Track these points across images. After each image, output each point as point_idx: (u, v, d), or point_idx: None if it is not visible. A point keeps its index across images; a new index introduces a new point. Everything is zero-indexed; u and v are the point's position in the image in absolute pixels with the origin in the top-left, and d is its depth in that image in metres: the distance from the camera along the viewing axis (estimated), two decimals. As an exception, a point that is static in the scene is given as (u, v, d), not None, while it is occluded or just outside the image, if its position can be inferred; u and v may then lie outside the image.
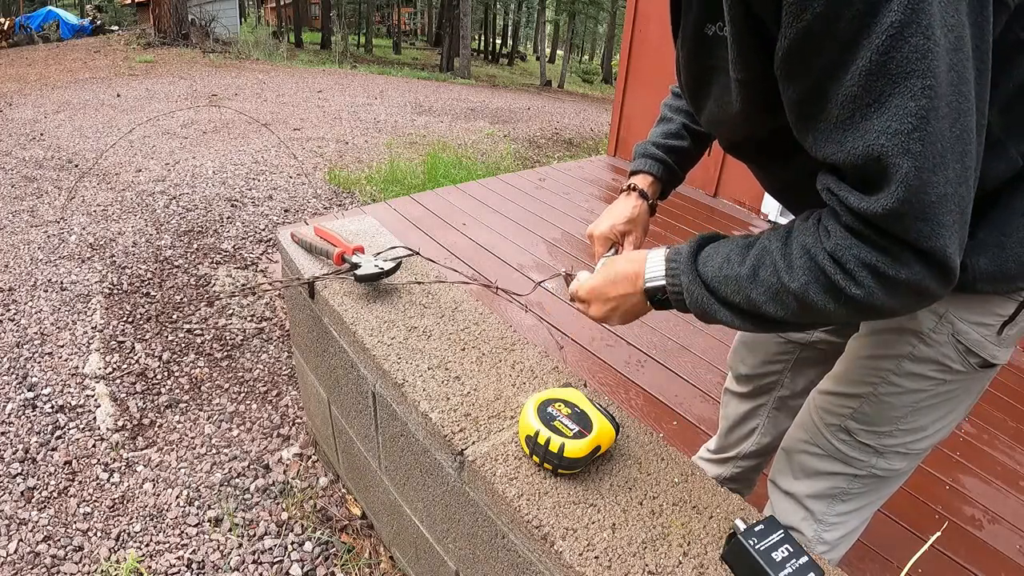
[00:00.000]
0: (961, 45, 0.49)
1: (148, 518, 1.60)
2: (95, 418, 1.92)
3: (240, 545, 1.54)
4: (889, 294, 0.57)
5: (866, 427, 0.86)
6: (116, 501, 1.64)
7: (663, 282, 0.74)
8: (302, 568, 1.49)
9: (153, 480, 1.72)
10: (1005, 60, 0.58)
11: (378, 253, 1.29)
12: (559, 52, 31.75)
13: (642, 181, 1.02)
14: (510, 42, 36.95)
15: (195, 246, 3.06)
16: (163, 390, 2.06)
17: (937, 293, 0.58)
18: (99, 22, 14.25)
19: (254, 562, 1.50)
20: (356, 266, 1.20)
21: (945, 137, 0.50)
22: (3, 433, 1.83)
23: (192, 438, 1.88)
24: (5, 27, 11.76)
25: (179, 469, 1.76)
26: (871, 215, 0.55)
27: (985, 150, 0.60)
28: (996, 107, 0.60)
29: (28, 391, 1.99)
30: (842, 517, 0.96)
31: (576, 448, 0.79)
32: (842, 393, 0.88)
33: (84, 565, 1.47)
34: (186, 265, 2.87)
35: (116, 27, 14.54)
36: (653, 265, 0.75)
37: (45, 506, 1.61)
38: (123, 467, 1.75)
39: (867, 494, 0.93)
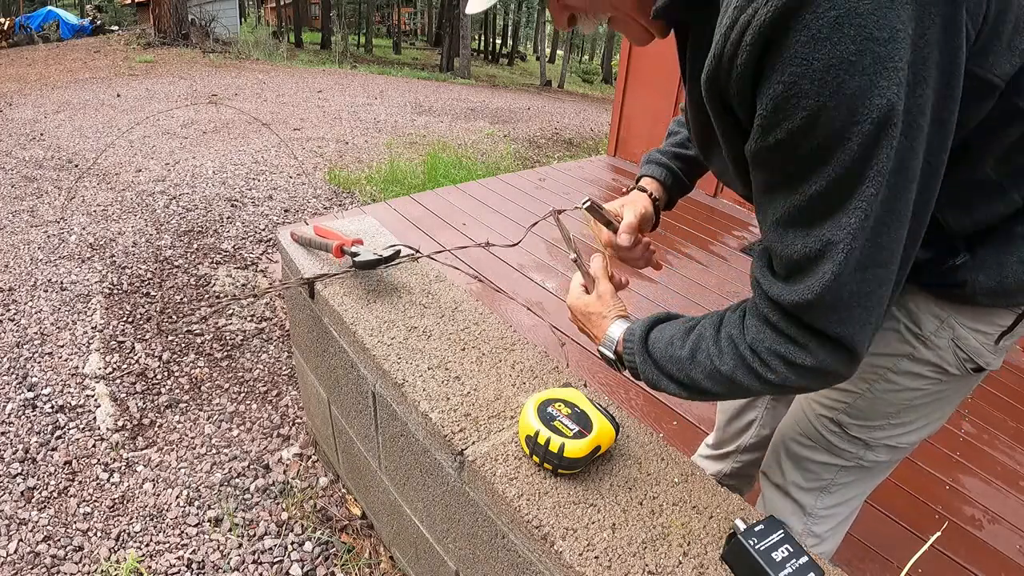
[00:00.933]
0: (905, 168, 0.54)
1: (148, 518, 1.60)
2: (95, 418, 1.92)
3: (240, 545, 1.54)
4: (799, 377, 0.65)
5: (858, 421, 0.89)
6: (116, 501, 1.64)
7: (612, 356, 0.85)
8: (302, 568, 1.49)
9: (153, 480, 1.72)
10: (1003, 122, 0.63)
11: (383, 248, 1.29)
12: (559, 52, 31.73)
13: (647, 184, 1.05)
14: (510, 42, 36.95)
15: (195, 246, 3.06)
16: (163, 390, 2.06)
17: (842, 374, 0.65)
18: (99, 22, 14.25)
19: (254, 562, 1.50)
20: (355, 255, 1.20)
21: (868, 248, 0.56)
22: (3, 433, 1.83)
23: (192, 438, 1.88)
24: (5, 27, 11.77)
25: (179, 469, 1.76)
26: (787, 304, 0.62)
27: (983, 195, 0.67)
28: (994, 157, 0.65)
29: (28, 391, 1.99)
30: (830, 510, 0.99)
31: (576, 448, 0.79)
32: (837, 387, 0.90)
33: (84, 565, 1.47)
34: (186, 265, 2.87)
35: (116, 27, 14.54)
36: (609, 339, 0.85)
37: (45, 506, 1.61)
38: (123, 467, 1.75)
39: (853, 485, 0.96)
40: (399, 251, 1.24)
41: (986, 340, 0.78)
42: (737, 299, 0.80)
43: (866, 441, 0.89)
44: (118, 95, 6.57)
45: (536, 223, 1.17)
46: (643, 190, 1.04)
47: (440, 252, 1.38)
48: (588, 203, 0.92)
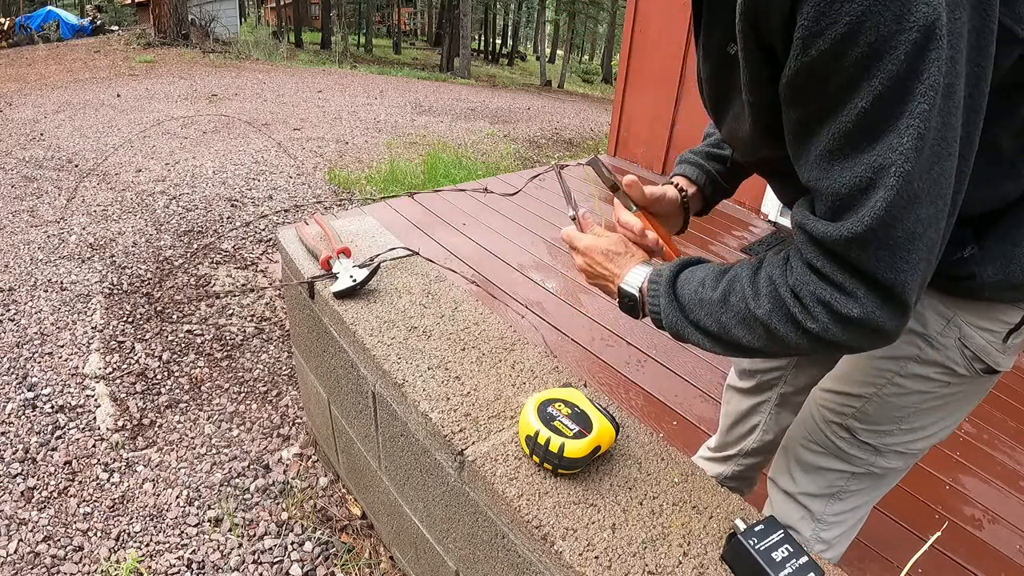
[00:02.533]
0: (952, 93, 0.51)
1: (148, 518, 1.60)
2: (95, 418, 1.92)
3: (240, 545, 1.54)
4: (843, 330, 0.59)
5: (867, 426, 0.87)
6: (116, 501, 1.64)
7: (635, 294, 0.78)
8: (302, 568, 1.49)
9: (153, 480, 1.72)
10: (1021, 85, 0.59)
11: (362, 264, 1.29)
12: (559, 52, 31.75)
13: (678, 180, 0.99)
14: (510, 42, 36.95)
15: (195, 246, 3.06)
16: (163, 390, 2.06)
17: (890, 330, 0.59)
18: (99, 22, 14.26)
19: (254, 562, 1.50)
20: (335, 276, 1.21)
21: (923, 178, 0.52)
22: (3, 433, 1.83)
23: (192, 438, 1.88)
24: (5, 27, 11.77)
25: (179, 469, 1.76)
26: (834, 240, 0.56)
27: (996, 172, 0.64)
28: (1010, 132, 0.62)
29: (28, 391, 1.99)
30: (839, 516, 0.97)
31: (576, 448, 0.79)
32: (845, 392, 0.89)
33: (84, 565, 1.47)
34: (186, 265, 2.87)
35: (116, 27, 14.53)
36: (632, 277, 0.79)
37: (45, 506, 1.61)
38: (123, 467, 1.75)
39: (864, 492, 0.95)
40: (377, 268, 1.23)
41: (993, 338, 0.76)
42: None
43: (876, 447, 0.88)
44: (118, 95, 6.57)
45: (537, 175, 1.16)
46: (676, 185, 0.97)
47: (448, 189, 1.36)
48: (592, 159, 0.88)
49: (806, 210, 0.61)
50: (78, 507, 1.62)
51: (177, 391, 2.06)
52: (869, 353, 0.86)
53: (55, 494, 1.65)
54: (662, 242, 0.87)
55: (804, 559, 0.69)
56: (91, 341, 2.26)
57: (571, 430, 0.81)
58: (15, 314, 2.39)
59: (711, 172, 0.99)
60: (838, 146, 0.55)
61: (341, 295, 1.18)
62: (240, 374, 2.16)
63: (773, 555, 0.69)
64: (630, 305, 0.80)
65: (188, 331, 2.37)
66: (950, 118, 0.52)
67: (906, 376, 0.82)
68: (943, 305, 0.77)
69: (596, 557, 0.73)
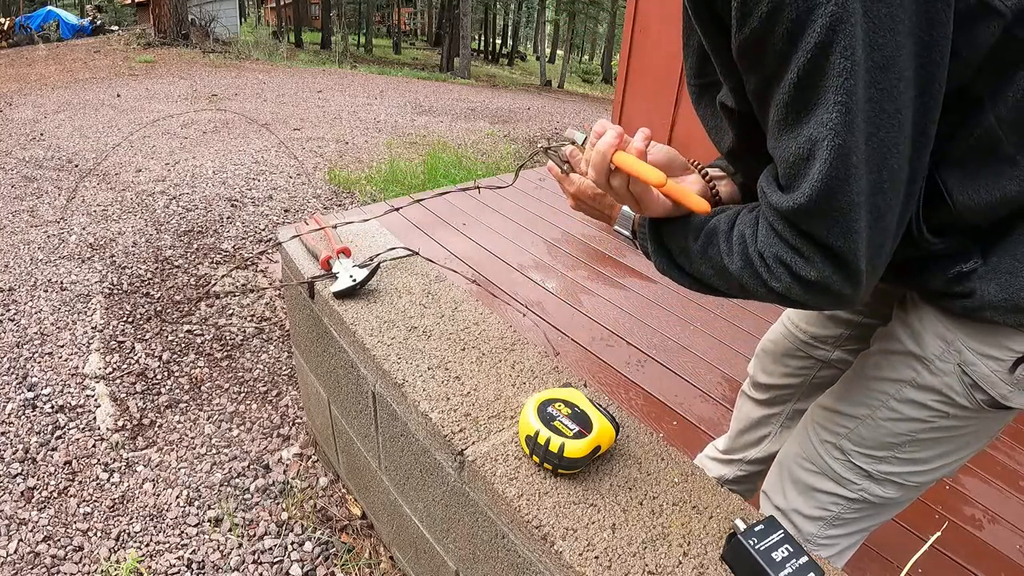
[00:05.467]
0: (890, 65, 0.52)
1: (148, 518, 1.60)
2: (95, 418, 1.92)
3: (240, 545, 1.54)
4: (804, 291, 0.63)
5: (861, 449, 0.84)
6: (116, 501, 1.64)
7: (627, 234, 0.82)
8: (302, 568, 1.49)
9: (153, 480, 1.72)
10: (1011, 65, 0.58)
11: (362, 263, 1.29)
12: (559, 52, 31.75)
13: (710, 170, 0.89)
14: (510, 42, 36.95)
15: (195, 246, 3.06)
16: (163, 390, 2.06)
17: (847, 293, 0.62)
18: (99, 22, 14.26)
19: (254, 562, 1.50)
20: (335, 276, 1.21)
21: (859, 150, 0.54)
22: (3, 433, 1.83)
23: (192, 438, 1.88)
24: (5, 27, 11.77)
25: (179, 469, 1.76)
26: (785, 210, 0.60)
27: (997, 167, 0.61)
28: (1007, 122, 0.60)
29: (28, 391, 1.99)
30: (832, 539, 0.94)
31: (576, 448, 0.79)
32: (840, 412, 0.87)
33: (84, 565, 1.47)
34: (186, 265, 2.87)
35: (116, 27, 14.53)
36: (623, 219, 0.82)
37: (45, 506, 1.61)
38: (123, 467, 1.75)
39: (860, 520, 0.91)
40: (377, 268, 1.23)
41: (998, 367, 0.70)
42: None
43: (870, 473, 0.84)
44: (118, 95, 6.57)
45: (524, 164, 1.16)
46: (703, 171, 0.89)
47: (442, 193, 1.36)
48: (577, 133, 0.83)
49: (770, 176, 0.64)
50: (78, 507, 1.62)
51: (177, 391, 2.06)
52: (867, 374, 0.84)
53: (55, 494, 1.65)
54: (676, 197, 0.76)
55: (804, 559, 0.69)
56: (91, 341, 2.26)
57: (571, 430, 0.81)
58: (15, 314, 2.39)
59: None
60: (782, 116, 0.58)
61: (341, 295, 1.18)
62: (240, 374, 2.16)
63: (773, 555, 0.69)
64: (626, 237, 0.83)
65: (188, 331, 2.37)
66: (889, 89, 0.53)
67: (901, 401, 0.78)
68: (943, 326, 0.73)
69: (596, 557, 0.73)
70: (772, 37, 0.54)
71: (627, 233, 0.82)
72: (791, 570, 0.67)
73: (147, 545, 1.53)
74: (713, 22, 0.63)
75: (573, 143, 0.82)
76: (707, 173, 0.86)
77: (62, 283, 2.62)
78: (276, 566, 1.49)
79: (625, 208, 0.81)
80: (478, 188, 1.27)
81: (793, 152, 0.57)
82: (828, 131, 0.54)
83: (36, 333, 2.29)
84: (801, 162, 0.57)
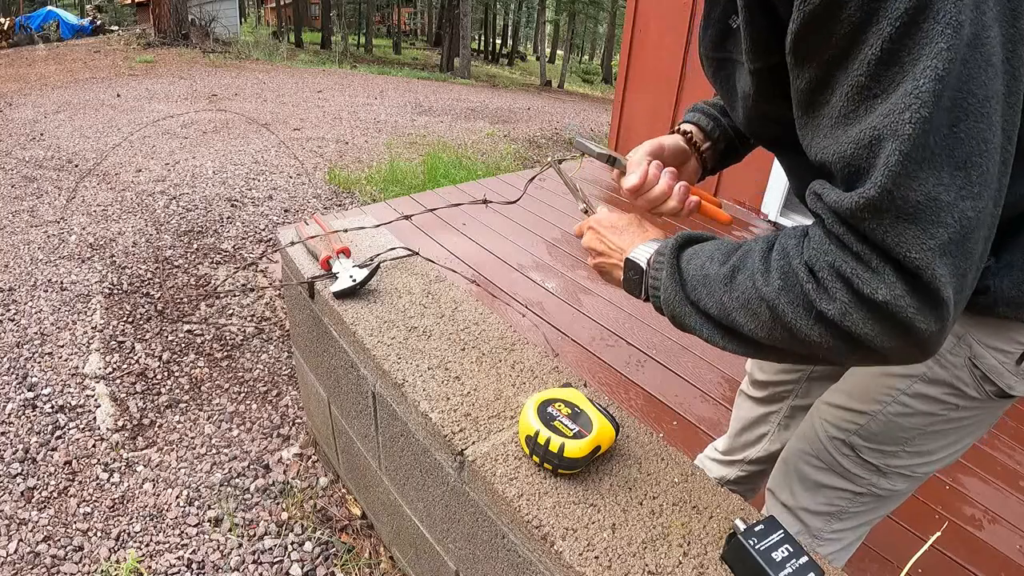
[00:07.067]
0: (979, 44, 0.45)
1: (148, 518, 1.60)
2: (95, 418, 1.92)
3: (240, 545, 1.54)
4: (865, 315, 0.50)
5: (871, 445, 0.84)
6: (116, 501, 1.64)
7: (642, 266, 0.73)
8: (302, 568, 1.49)
9: (153, 480, 1.72)
10: None
11: (362, 264, 1.29)
12: (559, 52, 31.76)
13: (684, 127, 0.92)
14: (510, 42, 36.96)
15: (195, 246, 3.06)
16: (163, 390, 2.06)
17: (921, 329, 0.49)
18: (99, 22, 14.25)
19: (254, 562, 1.50)
20: (335, 276, 1.21)
21: (941, 132, 0.45)
22: (3, 433, 1.83)
23: (192, 438, 1.88)
24: (5, 27, 11.76)
25: (179, 469, 1.76)
26: (848, 210, 0.49)
27: (1016, 169, 0.56)
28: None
29: (28, 391, 1.99)
30: (838, 534, 0.95)
31: (576, 448, 0.79)
32: (850, 408, 0.86)
33: (84, 565, 1.47)
34: (186, 265, 2.87)
35: (116, 27, 14.53)
36: (642, 250, 0.74)
37: (45, 506, 1.61)
38: (123, 467, 1.75)
39: (865, 512, 0.92)
40: (377, 268, 1.23)
41: (1006, 359, 0.71)
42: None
43: (880, 467, 0.84)
44: (118, 95, 6.57)
45: (534, 178, 1.16)
46: (683, 132, 0.89)
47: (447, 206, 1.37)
48: (577, 142, 0.84)
49: (824, 181, 0.55)
50: (78, 507, 1.62)
51: (177, 391, 2.06)
52: (875, 370, 0.83)
53: (55, 494, 1.65)
54: (705, 204, 0.80)
55: (804, 559, 0.69)
56: (91, 341, 2.26)
57: (571, 430, 0.81)
58: (15, 314, 2.39)
59: (724, 125, 0.91)
60: (852, 107, 0.49)
61: (341, 295, 1.18)
62: (240, 374, 2.16)
63: (773, 555, 0.69)
64: (635, 280, 0.74)
65: (188, 331, 2.37)
66: (978, 72, 0.45)
67: (912, 396, 0.78)
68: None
69: (596, 557, 0.73)
70: (846, 9, 0.46)
71: (642, 265, 0.73)
72: (791, 570, 0.67)
73: (147, 545, 1.53)
74: (762, 11, 0.57)
75: (596, 156, 0.84)
76: (681, 130, 0.89)
77: (62, 283, 2.62)
78: (276, 566, 1.49)
79: (644, 244, 0.75)
80: (486, 203, 1.27)
81: (867, 136, 0.47)
82: (914, 100, 0.45)
83: (36, 333, 2.29)
84: (875, 145, 0.47)
